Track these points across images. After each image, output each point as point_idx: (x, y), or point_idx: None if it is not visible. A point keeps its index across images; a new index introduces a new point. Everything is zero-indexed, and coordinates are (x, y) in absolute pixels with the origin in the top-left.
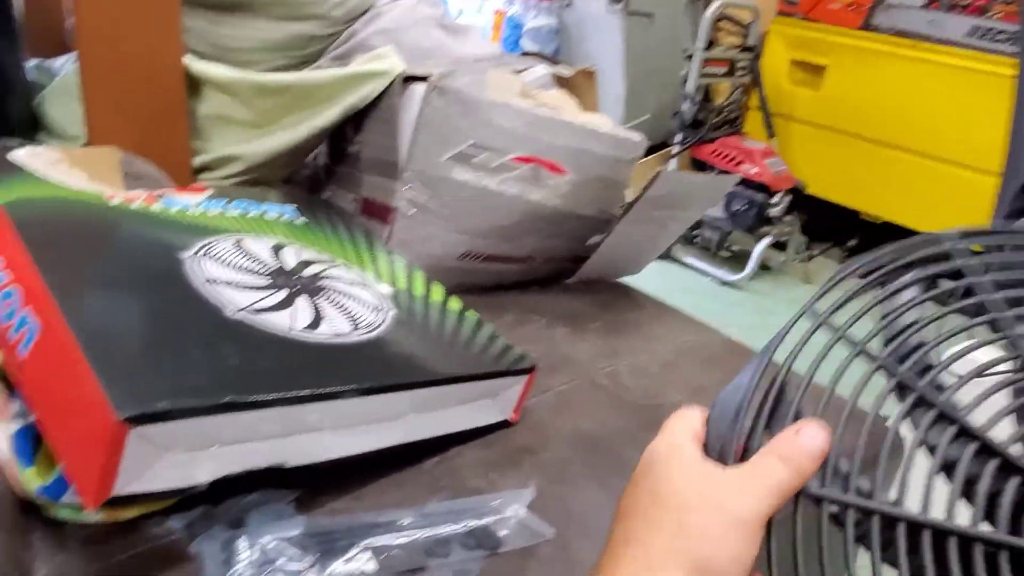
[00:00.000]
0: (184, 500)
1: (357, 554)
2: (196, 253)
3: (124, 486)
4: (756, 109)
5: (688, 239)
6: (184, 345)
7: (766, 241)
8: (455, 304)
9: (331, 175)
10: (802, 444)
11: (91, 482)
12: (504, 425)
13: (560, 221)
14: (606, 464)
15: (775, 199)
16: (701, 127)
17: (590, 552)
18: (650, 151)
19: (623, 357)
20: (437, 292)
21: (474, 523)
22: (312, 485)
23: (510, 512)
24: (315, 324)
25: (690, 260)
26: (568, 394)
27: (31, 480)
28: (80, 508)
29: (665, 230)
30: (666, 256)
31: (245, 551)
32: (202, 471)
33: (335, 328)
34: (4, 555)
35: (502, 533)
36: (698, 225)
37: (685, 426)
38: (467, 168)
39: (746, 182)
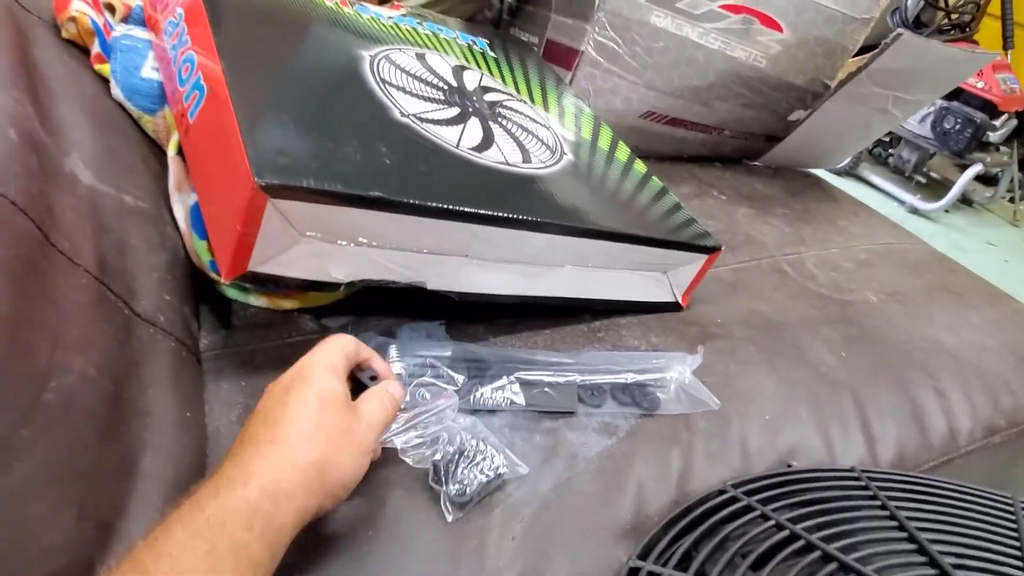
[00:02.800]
0: (339, 306)
1: (507, 384)
2: (377, 55)
3: (259, 263)
4: (994, 16)
5: (880, 157)
6: (342, 133)
7: (974, 170)
8: (639, 167)
9: (516, 14)
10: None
11: (228, 251)
12: (671, 307)
13: (762, 87)
14: (780, 349)
15: (998, 121)
16: (924, 28)
17: (752, 433)
18: (860, 52)
19: (811, 247)
20: (622, 151)
21: (634, 378)
22: (463, 317)
23: (674, 374)
24: (484, 147)
25: (878, 180)
26: (746, 274)
27: (204, 253)
28: (247, 290)
29: (882, 115)
30: (849, 173)
31: (395, 360)
32: (338, 268)
33: (504, 155)
34: (175, 315)
35: (661, 395)
36: (893, 143)
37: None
38: (669, 13)
39: (965, 96)
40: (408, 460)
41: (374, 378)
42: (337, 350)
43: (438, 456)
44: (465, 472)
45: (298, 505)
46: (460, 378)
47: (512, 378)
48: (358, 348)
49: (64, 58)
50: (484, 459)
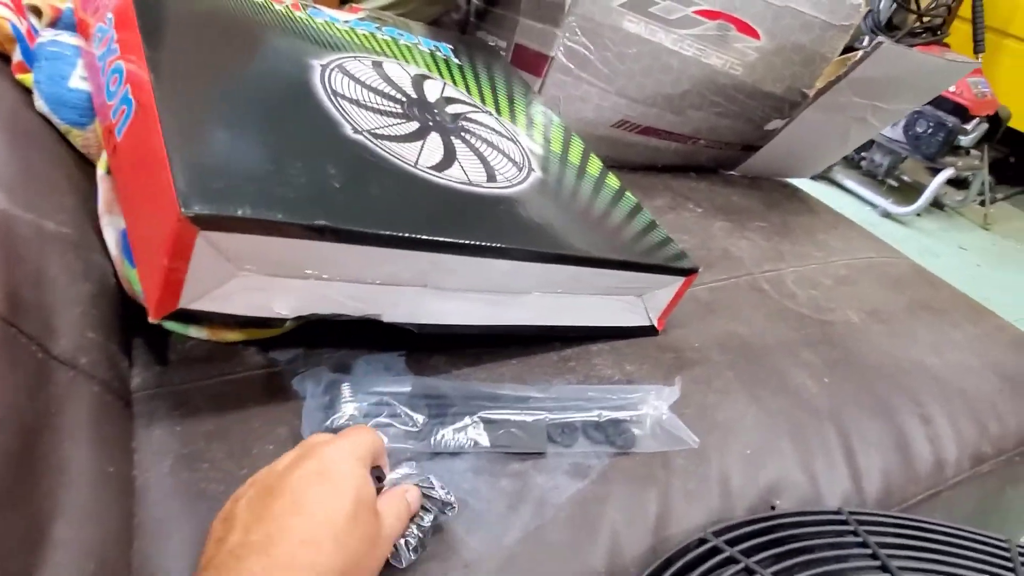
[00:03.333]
0: (289, 336)
1: (470, 424)
2: (329, 64)
3: (191, 299)
4: (965, 19)
5: (852, 160)
6: (286, 153)
7: (946, 174)
8: (612, 181)
9: (483, 17)
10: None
11: (155, 287)
12: (647, 332)
13: (738, 96)
14: (760, 376)
15: (970, 125)
16: (896, 31)
17: (732, 469)
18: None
19: (790, 263)
20: (594, 165)
21: (607, 415)
22: (424, 348)
23: (649, 409)
24: (444, 165)
25: (851, 184)
26: (724, 293)
27: (137, 281)
28: (186, 322)
29: (861, 125)
30: (823, 177)
31: (349, 400)
32: (283, 303)
33: (466, 174)
34: (99, 354)
35: (636, 432)
36: (865, 146)
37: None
38: (642, 18)
39: (937, 100)
40: None
41: (379, 479)
42: (367, 444)
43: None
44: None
45: None
46: (420, 418)
47: (476, 418)
48: (382, 448)
49: None
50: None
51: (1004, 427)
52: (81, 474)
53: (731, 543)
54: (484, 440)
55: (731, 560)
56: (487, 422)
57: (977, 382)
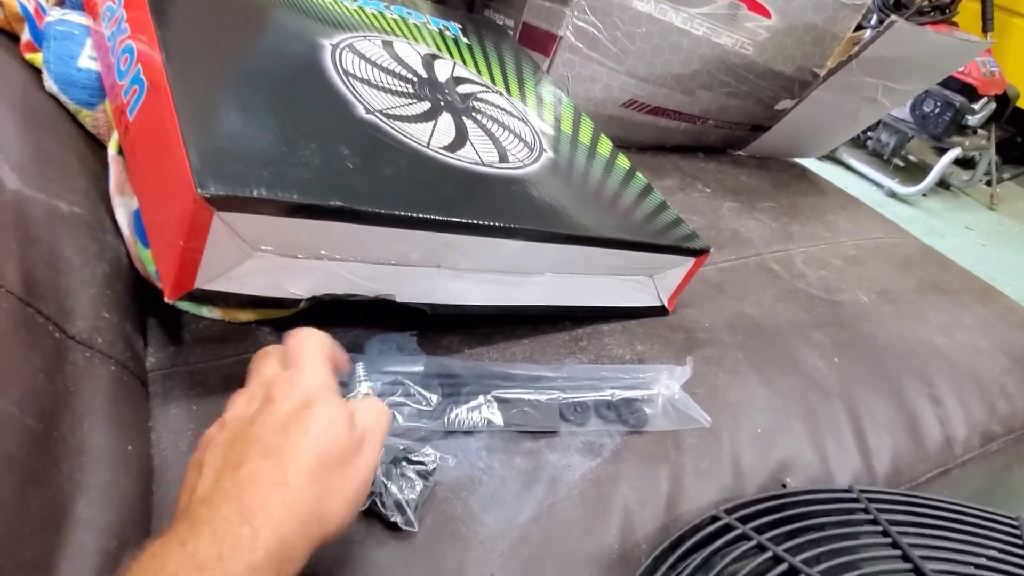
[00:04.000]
0: (302, 317)
1: (484, 404)
2: (340, 44)
3: (207, 280)
4: None
5: (858, 140)
6: (299, 134)
7: (953, 154)
8: (623, 162)
9: None
10: None
11: (171, 268)
12: (657, 312)
13: (748, 75)
14: (771, 356)
15: (977, 105)
16: (904, 10)
17: (743, 448)
18: None
19: (799, 243)
20: (604, 145)
21: (620, 394)
22: (437, 328)
23: (661, 388)
24: (456, 145)
25: (857, 164)
26: (734, 273)
27: (150, 262)
28: (201, 302)
29: (871, 105)
30: (828, 156)
31: (363, 379)
32: (297, 283)
33: (478, 155)
34: (115, 334)
35: (648, 411)
36: (872, 126)
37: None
38: None
39: (945, 80)
40: None
41: (344, 383)
42: (323, 360)
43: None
44: (398, 489)
45: (295, 567)
46: (434, 397)
47: (489, 397)
48: (333, 347)
49: None
50: (410, 467)
51: (1013, 406)
52: (101, 454)
53: (743, 520)
54: (498, 419)
55: (743, 537)
56: (501, 401)
57: (986, 363)
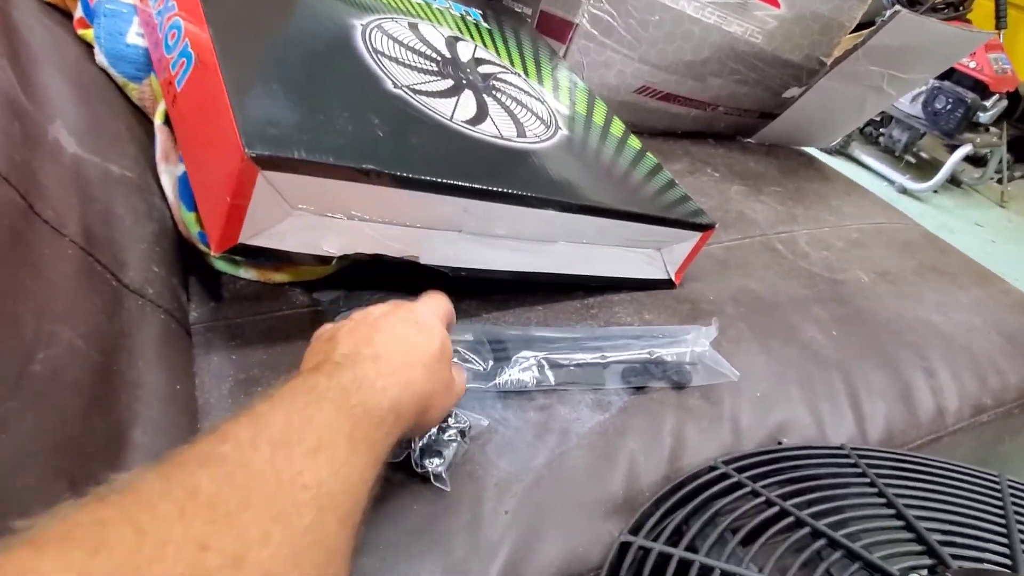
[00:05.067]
0: (330, 280)
1: (533, 365)
2: (369, 24)
3: (250, 235)
4: None
5: (871, 136)
6: (334, 104)
7: (963, 151)
8: (634, 143)
9: None
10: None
11: (218, 222)
12: (664, 285)
13: (757, 63)
14: (771, 328)
15: (989, 102)
16: (918, 6)
17: (743, 410)
18: (856, 29)
19: (803, 225)
20: (617, 126)
21: (657, 351)
22: (456, 293)
23: (694, 346)
24: (477, 120)
25: (868, 160)
26: (739, 252)
27: (193, 224)
28: (237, 263)
29: (877, 94)
30: (840, 152)
31: None
32: (331, 241)
33: (498, 129)
34: (163, 287)
35: (689, 368)
36: (884, 122)
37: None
38: None
39: (957, 76)
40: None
41: None
42: (445, 307)
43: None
44: (436, 443)
45: (405, 425)
46: (488, 361)
47: (540, 358)
48: (453, 313)
49: (45, 22)
50: (448, 426)
51: (1004, 381)
52: (153, 390)
53: (739, 471)
54: (550, 378)
55: (739, 485)
56: (549, 363)
57: (980, 340)
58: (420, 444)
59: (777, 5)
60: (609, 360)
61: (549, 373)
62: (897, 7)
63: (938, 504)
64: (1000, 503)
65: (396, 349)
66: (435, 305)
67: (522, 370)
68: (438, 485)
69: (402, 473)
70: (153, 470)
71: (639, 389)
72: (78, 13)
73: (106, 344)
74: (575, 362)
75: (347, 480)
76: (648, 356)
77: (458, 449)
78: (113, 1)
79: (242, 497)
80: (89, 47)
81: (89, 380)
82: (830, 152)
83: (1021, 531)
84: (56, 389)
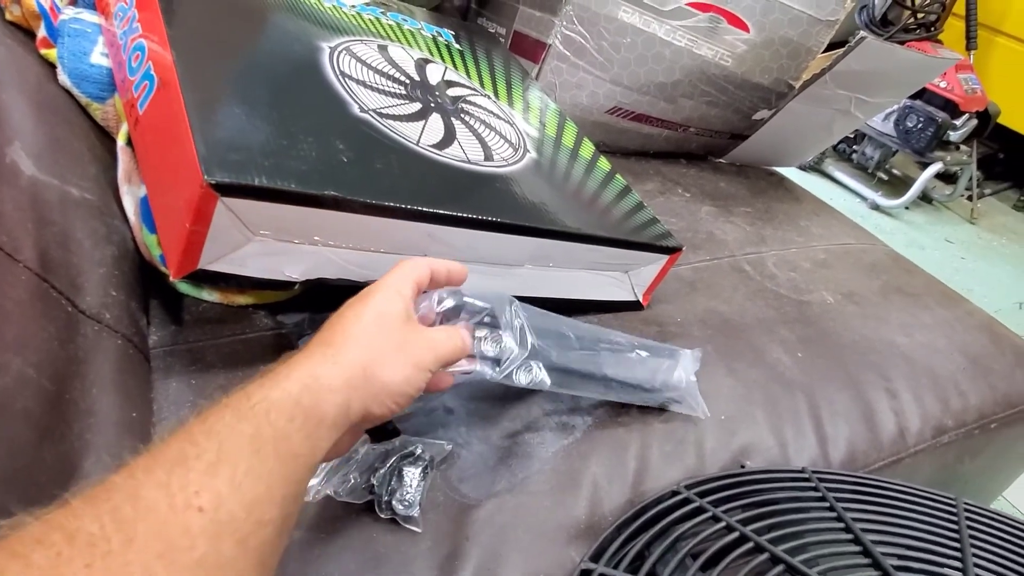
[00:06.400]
0: (295, 302)
1: (535, 366)
2: (337, 47)
3: (210, 261)
4: (959, 16)
5: (844, 153)
6: (298, 129)
7: (934, 168)
8: (603, 164)
9: (484, 4)
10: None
11: (177, 248)
12: (632, 307)
13: (727, 86)
14: (737, 350)
15: (959, 121)
16: (891, 27)
17: (707, 433)
18: (829, 48)
19: (772, 246)
20: (587, 148)
21: (661, 377)
22: None
23: (682, 373)
24: (444, 144)
25: (841, 176)
26: (707, 273)
27: (155, 247)
28: (200, 285)
29: (844, 116)
30: (814, 168)
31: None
32: (293, 267)
33: (465, 153)
34: (122, 311)
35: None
36: (857, 139)
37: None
38: (636, 9)
39: (928, 95)
40: (348, 500)
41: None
42: (407, 274)
43: (374, 482)
44: (401, 486)
45: (339, 400)
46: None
47: (539, 361)
48: (430, 274)
49: (7, 41)
50: (411, 462)
51: (966, 402)
52: (107, 417)
53: (701, 495)
54: (546, 381)
55: (700, 510)
56: (549, 367)
57: (943, 361)
58: (386, 487)
59: (747, 29)
60: (609, 377)
61: (546, 376)
62: (862, 34)
63: (895, 528)
64: (956, 526)
65: (325, 334)
66: (391, 277)
67: (525, 371)
68: (409, 527)
69: (360, 513)
70: (36, 515)
71: (609, 410)
72: (41, 32)
73: (59, 372)
74: (576, 372)
75: (250, 494)
76: (650, 376)
77: (425, 486)
78: (77, 20)
79: (126, 534)
80: (52, 67)
81: (40, 410)
82: (804, 169)
83: (975, 554)
84: (4, 420)
